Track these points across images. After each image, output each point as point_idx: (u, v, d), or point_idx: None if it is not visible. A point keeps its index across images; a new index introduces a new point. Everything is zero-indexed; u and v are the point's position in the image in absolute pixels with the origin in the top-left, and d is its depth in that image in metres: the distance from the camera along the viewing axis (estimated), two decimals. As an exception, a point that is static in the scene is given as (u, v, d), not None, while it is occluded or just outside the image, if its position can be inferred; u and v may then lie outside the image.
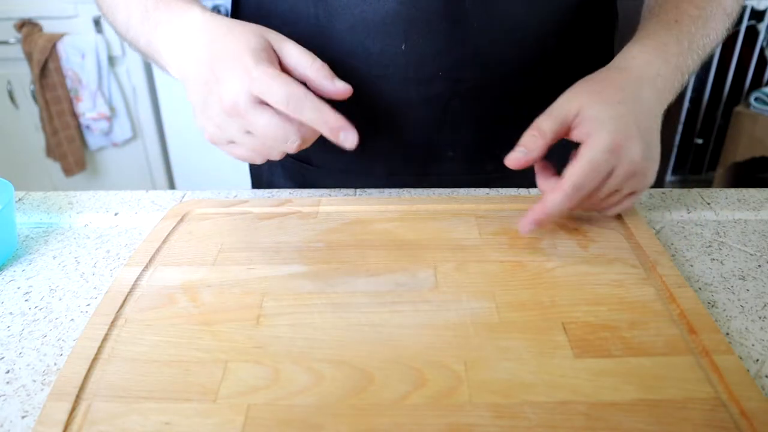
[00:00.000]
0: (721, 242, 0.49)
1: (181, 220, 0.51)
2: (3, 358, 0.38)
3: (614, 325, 0.38)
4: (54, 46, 1.65)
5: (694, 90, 2.05)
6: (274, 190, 0.58)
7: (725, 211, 0.54)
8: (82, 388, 0.34)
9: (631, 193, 0.47)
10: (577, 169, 0.42)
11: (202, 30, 0.44)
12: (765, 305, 0.42)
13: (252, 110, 0.41)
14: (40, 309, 0.43)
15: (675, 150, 2.13)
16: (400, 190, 0.57)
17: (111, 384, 0.34)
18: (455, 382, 0.34)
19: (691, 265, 0.46)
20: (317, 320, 0.39)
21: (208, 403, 0.33)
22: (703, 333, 0.37)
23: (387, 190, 0.57)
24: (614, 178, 0.43)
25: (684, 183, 2.25)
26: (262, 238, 0.48)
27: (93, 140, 1.81)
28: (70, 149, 1.77)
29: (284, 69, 0.44)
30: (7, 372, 0.37)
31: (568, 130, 0.45)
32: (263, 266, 0.45)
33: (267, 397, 0.33)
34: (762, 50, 1.99)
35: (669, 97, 0.47)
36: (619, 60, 0.47)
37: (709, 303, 0.42)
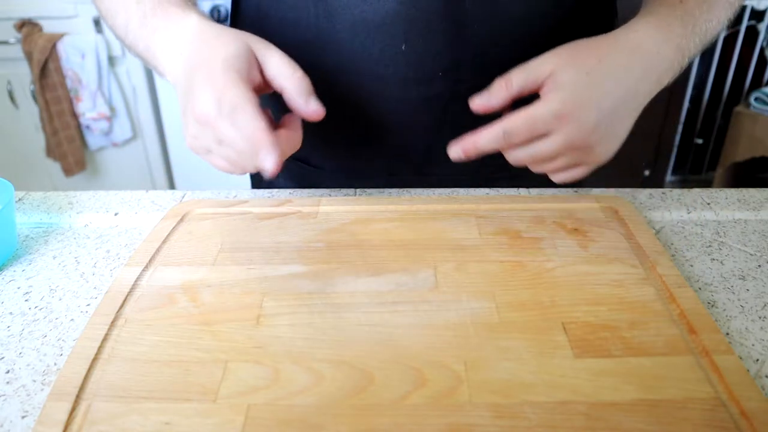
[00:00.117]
0: (721, 242, 0.49)
1: (181, 220, 0.51)
2: (3, 358, 0.38)
3: (614, 325, 0.38)
4: (54, 46, 1.65)
5: (694, 90, 2.06)
6: (274, 190, 0.58)
7: (725, 211, 0.54)
8: (82, 388, 0.34)
9: (578, 165, 0.46)
10: (514, 117, 0.43)
11: (193, 38, 0.44)
12: (765, 305, 0.42)
13: (220, 122, 0.40)
14: (40, 309, 0.43)
15: (675, 150, 2.13)
16: (400, 190, 0.57)
17: (111, 384, 0.34)
18: (455, 382, 0.34)
19: (691, 265, 0.46)
20: (317, 320, 0.39)
21: (208, 403, 0.33)
22: (703, 333, 0.37)
23: (387, 190, 0.57)
24: (551, 143, 0.43)
25: (684, 183, 2.25)
26: (262, 238, 0.48)
27: (93, 140, 1.81)
28: (70, 149, 1.77)
29: (265, 78, 0.44)
30: (7, 372, 0.37)
31: (537, 88, 0.45)
32: (263, 266, 0.45)
33: (267, 397, 0.33)
34: (762, 50, 1.99)
35: (666, 78, 0.46)
36: (619, 31, 0.46)
37: (709, 303, 0.42)
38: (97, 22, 1.67)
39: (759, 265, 0.46)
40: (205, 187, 0.59)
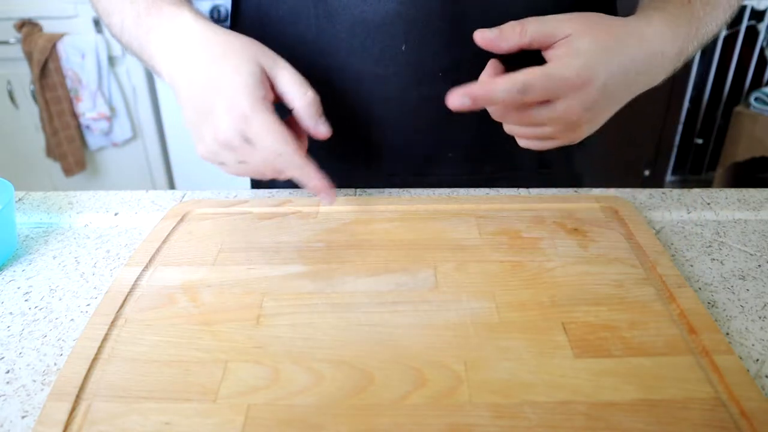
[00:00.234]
0: (721, 242, 0.49)
1: (181, 220, 0.51)
2: (3, 358, 0.38)
3: (614, 325, 0.38)
4: (54, 46, 1.65)
5: (694, 90, 2.06)
6: (274, 190, 0.58)
7: (725, 211, 0.54)
8: (82, 388, 0.34)
9: (554, 138, 0.45)
10: (534, 72, 0.40)
11: (197, 45, 0.44)
12: (765, 305, 0.42)
13: (247, 148, 0.42)
14: (40, 309, 0.43)
15: (675, 150, 2.13)
16: (400, 190, 0.57)
17: (111, 384, 0.34)
18: (455, 382, 0.34)
19: (691, 265, 0.46)
20: (317, 320, 0.39)
21: (208, 403, 0.33)
22: (703, 333, 0.37)
23: (387, 190, 0.57)
24: (551, 109, 0.42)
25: (684, 183, 2.25)
26: (262, 238, 0.48)
27: (93, 140, 1.81)
28: (70, 149, 1.77)
29: (276, 94, 0.44)
30: (7, 372, 0.37)
31: (547, 46, 0.43)
32: (263, 266, 0.45)
33: (267, 397, 0.33)
34: (762, 50, 1.99)
35: (660, 78, 0.46)
36: (633, 19, 0.45)
37: (709, 303, 0.42)
38: (97, 22, 1.67)
39: (759, 265, 0.46)
40: (205, 187, 0.59)
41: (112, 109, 1.77)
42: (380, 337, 0.37)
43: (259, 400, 0.33)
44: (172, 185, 1.96)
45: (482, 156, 0.59)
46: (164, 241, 0.48)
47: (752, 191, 0.57)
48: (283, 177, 0.45)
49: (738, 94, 2.03)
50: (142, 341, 0.38)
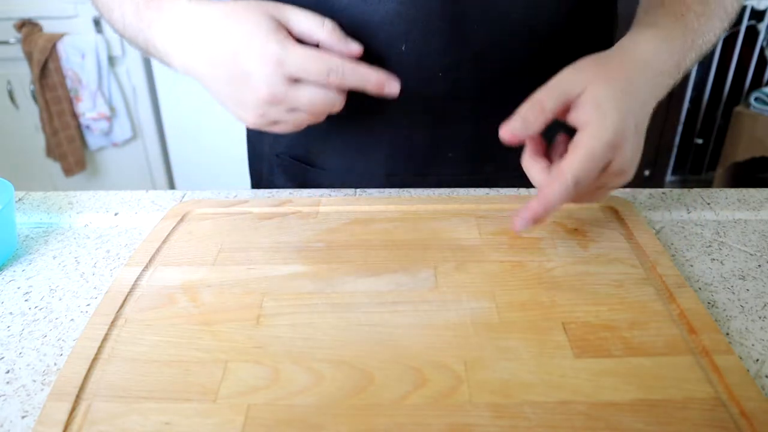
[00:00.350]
0: (721, 242, 0.49)
1: (181, 220, 0.51)
2: (3, 358, 0.38)
3: (614, 325, 0.38)
4: (54, 46, 1.65)
5: (694, 90, 2.06)
6: (274, 190, 0.58)
7: (725, 211, 0.54)
8: (82, 388, 0.34)
9: (605, 188, 0.44)
10: (578, 160, 0.39)
11: (203, 27, 0.44)
12: (765, 305, 0.42)
13: (292, 92, 0.43)
14: (40, 309, 0.43)
15: (675, 150, 2.13)
16: (400, 190, 0.57)
17: (111, 384, 0.34)
18: (455, 382, 0.34)
19: (691, 265, 0.46)
20: (317, 320, 0.39)
21: (208, 403, 0.33)
22: (703, 333, 0.37)
23: (387, 190, 0.57)
24: (606, 175, 0.41)
25: (684, 183, 2.25)
26: (262, 238, 0.48)
27: (93, 140, 1.81)
28: (70, 149, 1.77)
29: (295, 38, 0.44)
30: (7, 372, 0.37)
31: (567, 109, 0.42)
32: (263, 266, 0.45)
33: (267, 397, 0.33)
34: (762, 50, 1.99)
35: (662, 95, 0.45)
36: (627, 44, 0.44)
37: (709, 303, 0.42)
38: (97, 22, 1.67)
39: (759, 265, 0.46)
40: (205, 187, 0.59)
41: (112, 109, 1.77)
42: (380, 337, 0.37)
43: (259, 400, 0.33)
44: (172, 185, 1.96)
45: (482, 156, 0.59)
46: (164, 241, 0.48)
47: (752, 191, 0.57)
48: (338, 106, 0.45)
49: (738, 94, 2.03)
50: (142, 341, 0.38)
